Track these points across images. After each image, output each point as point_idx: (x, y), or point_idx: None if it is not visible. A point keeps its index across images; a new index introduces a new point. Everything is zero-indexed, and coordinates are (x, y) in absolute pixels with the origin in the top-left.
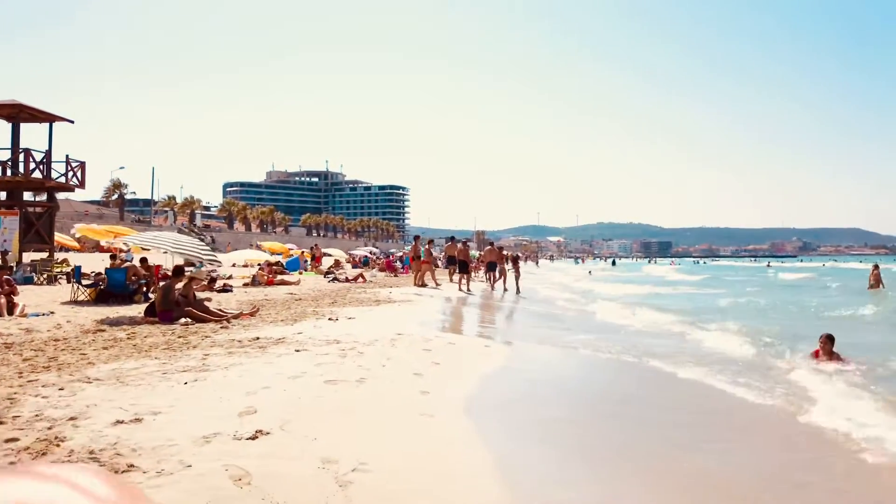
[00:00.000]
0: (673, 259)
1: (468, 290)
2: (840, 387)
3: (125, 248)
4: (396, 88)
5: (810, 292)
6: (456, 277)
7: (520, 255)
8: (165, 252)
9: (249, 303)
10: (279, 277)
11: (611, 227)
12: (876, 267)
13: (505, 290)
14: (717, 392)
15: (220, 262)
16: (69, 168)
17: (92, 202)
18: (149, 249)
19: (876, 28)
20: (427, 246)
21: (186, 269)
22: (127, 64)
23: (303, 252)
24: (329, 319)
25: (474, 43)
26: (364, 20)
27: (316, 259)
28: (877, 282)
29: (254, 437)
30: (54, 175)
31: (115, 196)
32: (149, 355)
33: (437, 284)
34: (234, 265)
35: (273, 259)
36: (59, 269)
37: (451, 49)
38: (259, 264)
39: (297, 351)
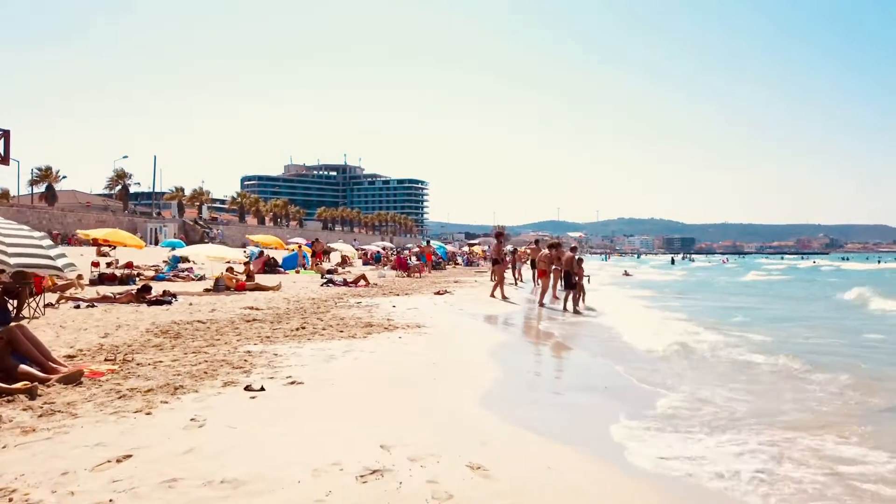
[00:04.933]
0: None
1: (574, 309)
2: None
3: None
4: (416, 83)
5: None
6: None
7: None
8: None
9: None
10: (254, 280)
11: (631, 222)
12: None
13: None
14: None
15: (59, 269)
16: None
17: (99, 195)
18: None
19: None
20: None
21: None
22: (151, 64)
23: (300, 246)
24: (246, 389)
25: (494, 44)
26: (386, 13)
27: (317, 255)
28: None
29: None
30: None
31: (119, 187)
32: None
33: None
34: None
35: (241, 258)
36: None
37: (472, 48)
38: (228, 263)
39: None
